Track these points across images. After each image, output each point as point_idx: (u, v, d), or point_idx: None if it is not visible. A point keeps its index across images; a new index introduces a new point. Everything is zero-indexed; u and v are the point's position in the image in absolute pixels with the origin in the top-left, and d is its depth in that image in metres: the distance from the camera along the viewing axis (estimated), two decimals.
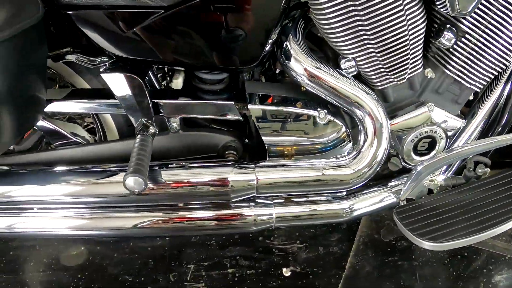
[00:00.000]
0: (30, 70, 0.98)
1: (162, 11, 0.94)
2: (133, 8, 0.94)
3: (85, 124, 1.32)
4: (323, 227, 1.35)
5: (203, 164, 1.04)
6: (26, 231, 1.16)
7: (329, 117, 1.09)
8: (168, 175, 1.03)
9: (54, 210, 1.14)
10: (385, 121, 1.06)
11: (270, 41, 1.00)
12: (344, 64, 1.06)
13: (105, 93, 1.14)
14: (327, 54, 1.13)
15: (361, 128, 1.07)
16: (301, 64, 1.04)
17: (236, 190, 1.03)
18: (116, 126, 1.18)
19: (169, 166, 1.04)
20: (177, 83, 1.13)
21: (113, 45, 1.00)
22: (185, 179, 1.03)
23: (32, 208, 1.15)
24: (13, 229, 1.15)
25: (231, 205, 1.08)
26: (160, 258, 1.30)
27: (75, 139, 1.14)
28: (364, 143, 1.07)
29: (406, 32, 1.02)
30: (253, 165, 1.04)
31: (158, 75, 1.15)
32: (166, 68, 1.17)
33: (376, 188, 1.18)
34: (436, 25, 1.07)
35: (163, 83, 1.18)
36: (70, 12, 0.97)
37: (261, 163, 1.05)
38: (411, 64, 1.07)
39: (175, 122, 1.08)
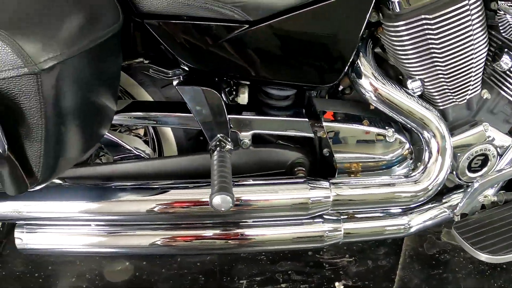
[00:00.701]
0: (104, 81, 0.95)
1: (247, 25, 0.94)
2: (217, 21, 0.93)
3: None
4: (369, 241, 1.38)
5: (278, 181, 1.04)
6: (80, 249, 1.12)
7: (396, 135, 1.12)
8: (243, 192, 1.02)
9: (111, 227, 1.11)
10: (448, 139, 1.10)
11: (351, 59, 1.02)
12: (410, 85, 1.09)
13: (169, 106, 1.12)
14: (389, 75, 1.16)
15: (426, 147, 1.11)
16: (371, 82, 1.07)
17: (313, 207, 1.03)
18: (176, 140, 1.16)
19: (243, 183, 1.03)
20: (243, 97, 1.12)
21: (193, 57, 0.98)
22: (261, 196, 1.02)
23: (89, 225, 1.12)
24: (68, 246, 1.11)
25: (300, 221, 1.09)
26: (210, 273, 1.28)
27: (137, 153, 1.11)
28: (429, 160, 1.10)
29: (473, 56, 1.06)
30: (328, 182, 1.06)
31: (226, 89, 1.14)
32: (232, 82, 1.16)
33: (430, 205, 1.22)
34: (493, 49, 1.13)
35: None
36: (148, 21, 0.95)
37: (336, 180, 1.06)
38: (472, 85, 1.12)
39: (247, 138, 1.07)
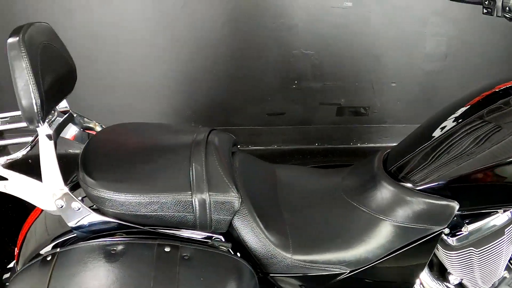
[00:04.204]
0: None
1: (347, 272, 1.14)
2: (316, 271, 1.12)
3: None
4: None
5: None
6: None
7: None
8: None
9: None
10: None
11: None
12: (451, 277, 1.36)
13: None
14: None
15: None
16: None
17: None
18: None
19: None
20: None
21: None
22: None
23: None
24: None
25: None
26: None
27: None
28: None
29: (504, 259, 1.33)
30: None
31: None
32: None
33: None
34: None
35: None
36: (272, 275, 1.12)
37: None
38: (499, 275, 1.40)
39: None
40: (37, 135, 1.05)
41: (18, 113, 1.18)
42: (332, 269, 1.10)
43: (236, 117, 2.57)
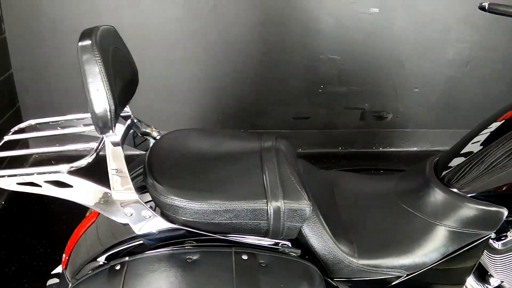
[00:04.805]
0: None
1: (404, 275, 1.18)
2: (377, 275, 1.15)
3: None
4: None
5: None
6: None
7: None
8: None
9: None
10: None
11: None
12: (491, 279, 1.41)
13: None
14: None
15: None
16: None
17: None
18: None
19: None
20: None
21: None
22: None
23: None
24: None
25: None
26: None
27: None
28: None
29: None
30: None
31: None
32: None
33: None
34: None
35: None
36: (337, 279, 1.14)
37: None
38: None
39: None
40: (101, 141, 1.03)
41: (58, 118, 1.20)
42: (392, 273, 1.14)
43: (262, 120, 2.61)
